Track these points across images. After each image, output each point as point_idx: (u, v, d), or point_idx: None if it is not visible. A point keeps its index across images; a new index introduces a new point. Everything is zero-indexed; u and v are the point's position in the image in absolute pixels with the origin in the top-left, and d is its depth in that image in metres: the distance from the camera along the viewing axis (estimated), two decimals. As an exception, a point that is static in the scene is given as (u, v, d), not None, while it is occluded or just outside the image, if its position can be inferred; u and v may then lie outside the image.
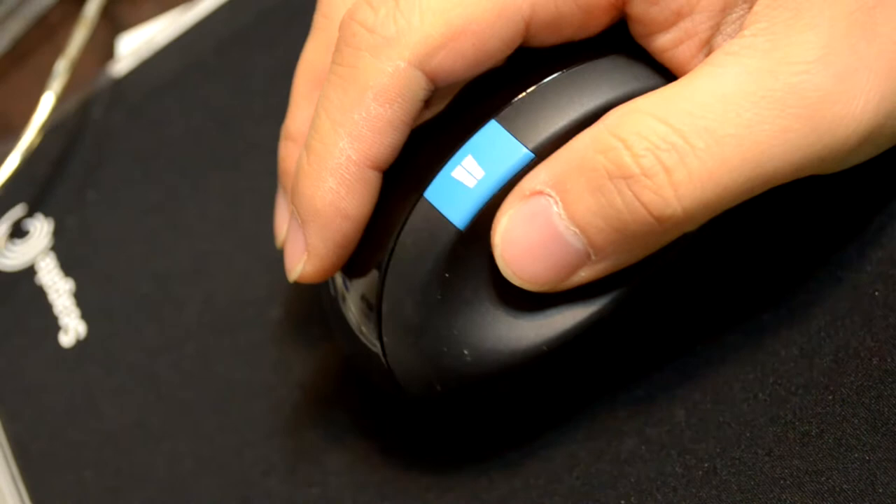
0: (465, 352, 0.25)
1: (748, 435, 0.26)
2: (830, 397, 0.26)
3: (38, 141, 0.36)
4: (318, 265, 0.26)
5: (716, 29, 0.24)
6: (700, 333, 0.27)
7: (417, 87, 0.24)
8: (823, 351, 0.26)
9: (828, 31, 0.23)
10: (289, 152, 0.29)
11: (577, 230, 0.24)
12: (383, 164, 0.25)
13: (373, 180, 0.25)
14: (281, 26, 0.38)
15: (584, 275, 0.25)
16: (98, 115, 0.39)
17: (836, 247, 0.27)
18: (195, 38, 0.39)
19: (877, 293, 0.26)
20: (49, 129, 0.37)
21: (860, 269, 0.27)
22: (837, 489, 0.25)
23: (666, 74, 0.25)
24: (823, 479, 0.25)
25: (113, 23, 0.42)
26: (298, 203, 0.25)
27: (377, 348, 0.26)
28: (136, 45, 0.40)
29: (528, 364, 0.26)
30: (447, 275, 0.25)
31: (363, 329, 0.27)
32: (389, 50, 0.24)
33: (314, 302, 0.32)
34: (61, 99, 0.37)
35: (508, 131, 0.25)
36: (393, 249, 0.25)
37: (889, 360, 0.25)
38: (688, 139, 0.23)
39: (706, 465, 0.26)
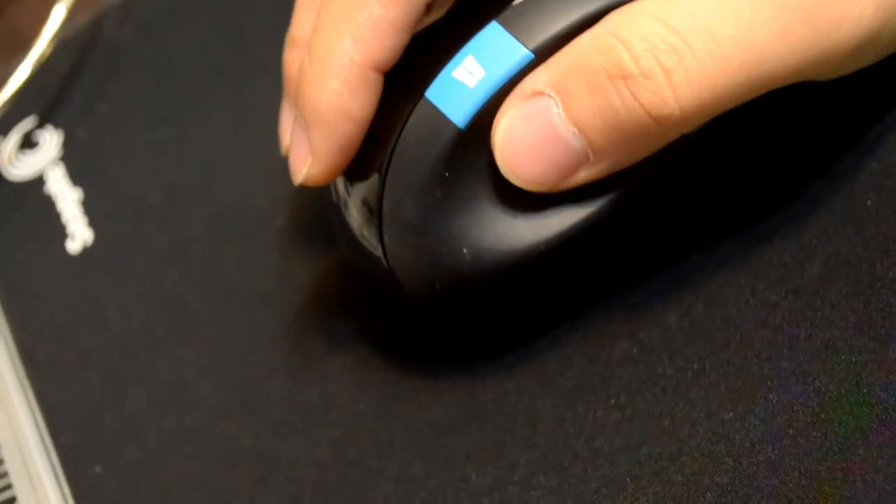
0: (464, 250, 0.26)
1: (738, 338, 0.26)
2: (819, 302, 0.26)
3: (48, 52, 0.37)
4: (323, 167, 0.26)
5: None
6: (694, 240, 0.28)
7: None
8: (815, 258, 0.27)
9: (827, -69, 0.24)
10: (293, 58, 0.29)
11: (577, 130, 0.24)
12: (386, 65, 0.25)
13: (375, 82, 0.25)
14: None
15: (583, 175, 0.25)
16: (109, 30, 0.39)
17: (832, 157, 0.27)
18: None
19: (869, 202, 0.27)
20: (60, 43, 0.38)
21: (855, 179, 0.27)
22: (823, 389, 0.25)
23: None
24: (810, 379, 0.25)
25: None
26: (302, 106, 0.26)
27: (378, 250, 0.27)
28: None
29: (526, 263, 0.26)
30: (447, 174, 0.26)
31: (364, 233, 0.27)
32: None
33: (318, 210, 0.32)
34: (72, 11, 0.37)
35: (509, 32, 0.25)
36: (394, 149, 0.26)
37: (879, 266, 0.26)
38: (686, 40, 0.23)
39: (695, 366, 0.26)
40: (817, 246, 0.27)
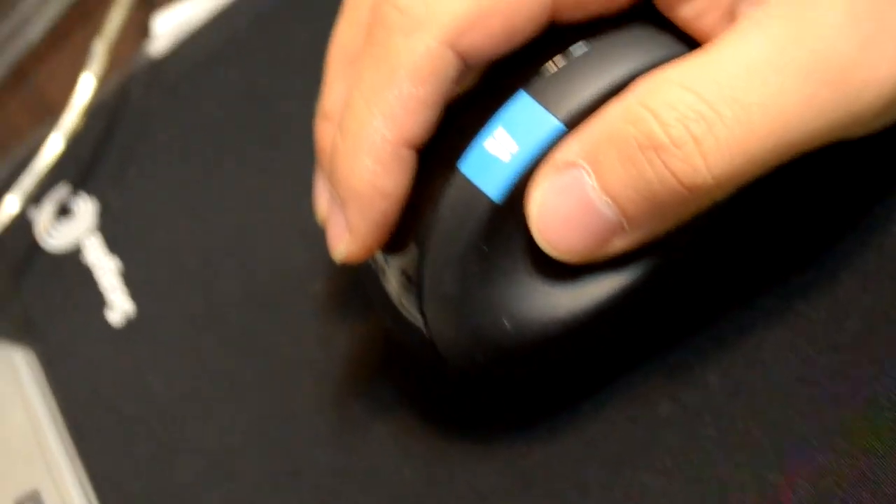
0: (505, 321, 0.26)
1: (780, 396, 0.26)
2: (860, 359, 0.26)
3: (80, 122, 0.37)
4: (361, 244, 0.26)
5: None
6: (731, 298, 0.28)
7: (449, 67, 0.25)
8: (853, 313, 0.27)
9: (851, -3, 0.24)
10: (325, 131, 0.29)
11: (611, 201, 0.24)
12: (418, 142, 0.26)
13: (408, 158, 0.26)
14: (315, 2, 0.39)
15: (619, 245, 0.25)
16: (137, 94, 0.40)
17: (863, 210, 0.28)
18: (231, 15, 0.40)
19: (904, 255, 0.27)
20: (90, 110, 0.38)
21: (887, 232, 0.27)
22: (870, 449, 0.25)
23: (691, 42, 0.25)
24: (855, 438, 0.25)
25: (148, 2, 0.42)
26: (337, 184, 0.26)
27: (418, 321, 0.27)
28: (171, 25, 0.41)
29: (566, 333, 0.26)
30: (485, 247, 0.26)
31: (403, 302, 0.27)
32: (421, 30, 0.25)
33: (354, 275, 0.32)
34: (101, 80, 0.37)
35: (539, 102, 0.25)
36: (431, 223, 0.26)
37: (918, 319, 0.26)
38: (715, 108, 0.23)
39: (739, 426, 0.26)
40: (854, 301, 0.27)
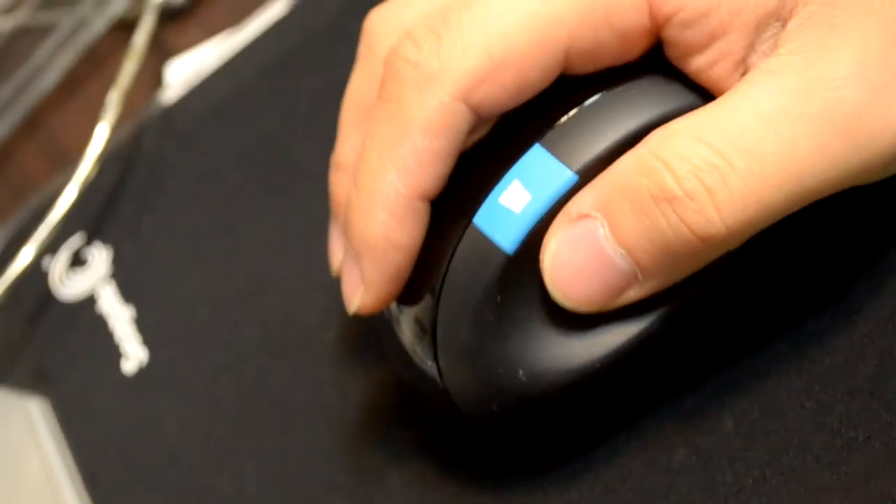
0: (520, 372, 0.26)
1: (796, 442, 0.26)
2: (876, 403, 0.26)
3: (94, 172, 0.37)
4: (376, 296, 0.26)
5: (750, 48, 0.25)
6: (746, 343, 0.28)
7: (461, 120, 0.25)
8: (867, 357, 0.27)
9: (861, 46, 0.24)
10: (339, 182, 0.30)
11: (624, 252, 0.25)
12: (431, 194, 0.26)
13: (422, 211, 0.26)
14: (326, 50, 0.39)
15: (633, 294, 0.25)
16: (150, 142, 0.40)
17: (877, 253, 0.28)
18: (242, 64, 0.40)
19: (919, 298, 0.27)
20: (103, 159, 0.38)
21: (901, 275, 0.27)
22: (885, 494, 0.25)
23: (703, 93, 0.26)
24: (872, 484, 0.25)
25: (161, 49, 0.43)
26: (351, 237, 0.26)
27: (433, 370, 0.27)
28: (183, 73, 0.41)
29: (582, 382, 0.26)
30: (499, 298, 0.26)
31: (417, 351, 0.27)
32: (433, 85, 0.25)
33: (367, 323, 0.32)
34: (114, 130, 0.38)
35: (553, 154, 0.25)
36: (445, 275, 0.26)
37: (933, 364, 0.26)
38: (728, 159, 0.24)
39: (756, 472, 0.26)
40: (868, 345, 0.27)
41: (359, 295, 0.27)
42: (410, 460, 0.30)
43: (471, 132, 0.26)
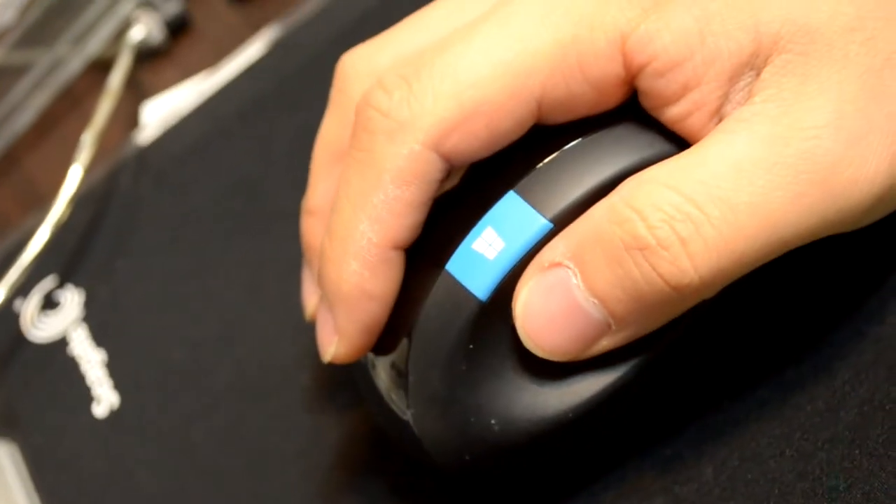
0: (493, 421, 0.26)
1: (776, 491, 0.26)
2: (857, 451, 0.26)
3: (67, 213, 0.37)
4: (350, 346, 0.26)
5: (724, 98, 0.24)
6: (725, 391, 0.27)
7: (433, 169, 0.25)
8: (848, 404, 0.26)
9: (837, 95, 0.23)
10: (311, 227, 0.29)
11: (597, 301, 0.24)
12: (404, 243, 0.26)
13: (395, 260, 0.26)
14: (302, 92, 0.39)
15: (606, 344, 0.25)
16: (125, 183, 0.40)
17: (857, 300, 0.27)
18: (218, 105, 0.40)
19: (899, 345, 0.26)
20: (77, 200, 0.38)
21: (882, 321, 0.27)
22: (867, 546, 0.25)
23: (679, 141, 0.25)
24: (852, 535, 0.25)
25: (137, 90, 0.42)
26: (325, 287, 0.26)
27: (407, 416, 0.27)
28: (160, 113, 0.41)
29: (555, 431, 0.26)
30: (471, 346, 0.25)
31: (393, 397, 0.27)
32: (404, 133, 0.25)
33: (343, 368, 0.32)
34: (89, 170, 0.37)
35: (527, 201, 0.25)
36: (418, 322, 0.26)
37: (914, 412, 0.26)
38: (702, 208, 0.23)
39: (736, 523, 0.26)
40: (850, 392, 0.26)
41: (333, 345, 0.26)
42: (385, 509, 0.30)
43: (444, 180, 0.26)
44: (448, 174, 0.25)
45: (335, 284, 0.26)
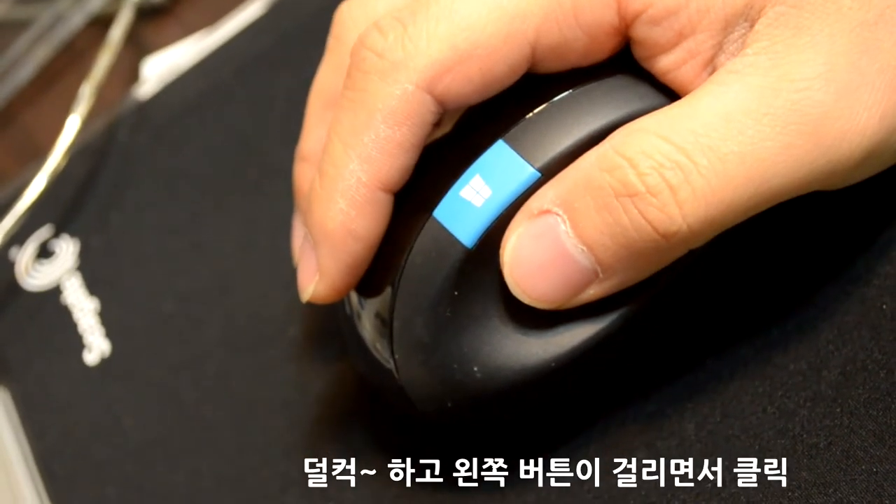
0: (475, 368, 0.26)
1: (756, 447, 0.26)
2: (838, 410, 0.26)
3: (63, 163, 0.37)
4: (330, 285, 0.26)
5: (718, 48, 0.24)
6: (710, 348, 0.28)
7: (426, 110, 0.25)
8: (831, 364, 0.26)
9: (828, 48, 0.24)
10: (303, 173, 0.29)
11: (585, 248, 0.24)
12: (393, 185, 0.26)
13: (383, 202, 0.26)
14: (300, 50, 0.39)
15: (593, 292, 0.25)
16: (123, 137, 0.40)
17: (845, 261, 0.27)
18: (217, 62, 0.40)
19: (884, 306, 0.26)
20: (75, 152, 0.38)
21: (868, 283, 0.27)
22: (845, 501, 0.25)
23: (670, 94, 0.25)
24: (831, 490, 0.25)
25: (138, 47, 0.43)
26: (311, 225, 0.26)
27: (391, 364, 0.27)
28: (159, 69, 0.41)
29: (538, 380, 0.26)
30: (456, 292, 0.26)
31: (378, 346, 0.27)
32: (397, 73, 0.25)
33: (331, 320, 0.32)
34: (87, 122, 0.38)
35: (515, 151, 0.25)
36: (403, 268, 0.26)
37: (896, 373, 0.26)
38: (691, 157, 0.23)
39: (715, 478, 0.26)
40: (833, 352, 0.27)
41: (313, 284, 0.26)
42: (367, 457, 0.30)
43: (435, 124, 0.26)
44: (440, 117, 0.25)
45: (321, 222, 0.26)
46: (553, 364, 0.26)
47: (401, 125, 0.25)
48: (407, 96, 0.25)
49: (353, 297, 0.28)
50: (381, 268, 0.26)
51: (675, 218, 0.23)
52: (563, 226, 0.24)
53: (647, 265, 0.25)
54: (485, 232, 0.25)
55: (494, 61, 0.25)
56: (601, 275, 0.25)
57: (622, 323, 0.26)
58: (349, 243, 0.26)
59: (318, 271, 0.26)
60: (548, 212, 0.25)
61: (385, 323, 0.27)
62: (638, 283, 0.25)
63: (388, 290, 0.26)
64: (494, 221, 0.25)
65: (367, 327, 0.27)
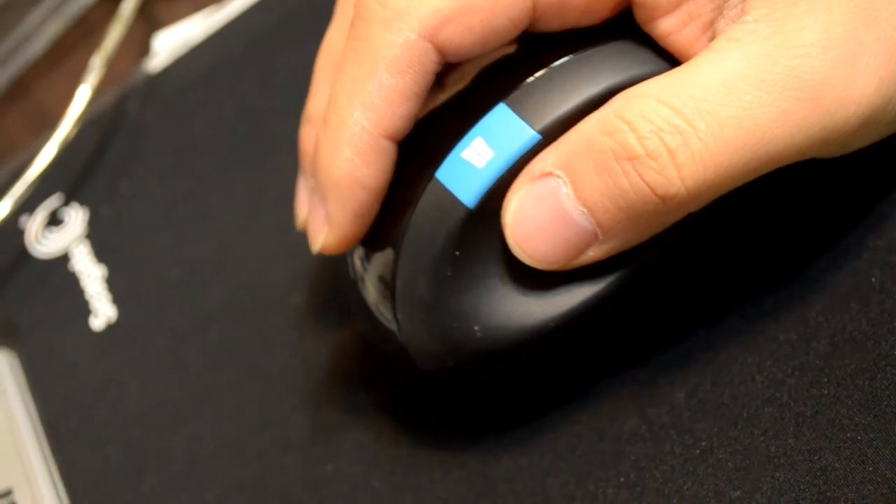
0: (476, 327, 0.26)
1: (745, 416, 0.27)
2: (825, 379, 0.26)
3: (74, 133, 0.37)
4: (339, 234, 0.27)
5: (718, 11, 0.25)
6: (701, 317, 0.28)
7: (427, 60, 0.25)
8: (820, 335, 0.27)
9: (826, 16, 0.24)
10: (308, 134, 0.30)
11: (585, 210, 0.25)
12: (397, 134, 0.26)
13: (388, 150, 0.26)
14: (308, 26, 0.39)
15: (592, 254, 0.25)
16: (133, 109, 0.40)
17: (836, 233, 0.28)
18: (227, 37, 0.41)
19: (874, 279, 0.27)
20: (85, 122, 0.39)
21: (859, 256, 0.27)
22: (829, 468, 0.25)
23: (670, 59, 0.26)
24: (816, 457, 0.25)
25: (149, 21, 0.43)
26: (317, 175, 0.27)
27: (393, 325, 0.27)
28: (170, 43, 0.41)
29: (537, 340, 0.27)
30: (458, 253, 0.26)
31: (381, 308, 0.28)
32: (400, 22, 0.25)
33: (334, 288, 0.33)
34: (97, 92, 0.38)
35: (517, 114, 0.26)
36: (406, 229, 0.26)
37: (884, 344, 0.26)
38: (690, 121, 0.24)
39: (703, 444, 0.27)
40: (822, 323, 0.27)
41: (323, 234, 0.27)
42: (366, 421, 0.30)
43: (440, 85, 0.26)
44: (441, 67, 0.26)
45: (327, 171, 0.26)
46: (552, 324, 0.26)
47: (403, 73, 0.26)
48: (409, 44, 0.25)
49: (357, 260, 0.28)
50: (384, 228, 0.27)
51: (673, 181, 0.24)
52: (564, 188, 0.25)
53: (646, 228, 0.25)
54: (486, 193, 0.26)
55: (495, 13, 0.25)
56: (601, 237, 0.25)
57: (621, 285, 0.26)
58: (356, 191, 0.26)
59: (327, 222, 0.27)
60: (549, 174, 0.25)
61: (388, 284, 0.27)
62: (637, 245, 0.26)
63: (391, 251, 0.27)
64: (496, 182, 0.26)
65: (371, 290, 0.28)
